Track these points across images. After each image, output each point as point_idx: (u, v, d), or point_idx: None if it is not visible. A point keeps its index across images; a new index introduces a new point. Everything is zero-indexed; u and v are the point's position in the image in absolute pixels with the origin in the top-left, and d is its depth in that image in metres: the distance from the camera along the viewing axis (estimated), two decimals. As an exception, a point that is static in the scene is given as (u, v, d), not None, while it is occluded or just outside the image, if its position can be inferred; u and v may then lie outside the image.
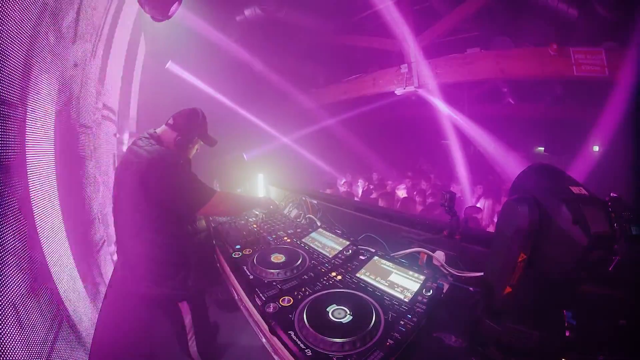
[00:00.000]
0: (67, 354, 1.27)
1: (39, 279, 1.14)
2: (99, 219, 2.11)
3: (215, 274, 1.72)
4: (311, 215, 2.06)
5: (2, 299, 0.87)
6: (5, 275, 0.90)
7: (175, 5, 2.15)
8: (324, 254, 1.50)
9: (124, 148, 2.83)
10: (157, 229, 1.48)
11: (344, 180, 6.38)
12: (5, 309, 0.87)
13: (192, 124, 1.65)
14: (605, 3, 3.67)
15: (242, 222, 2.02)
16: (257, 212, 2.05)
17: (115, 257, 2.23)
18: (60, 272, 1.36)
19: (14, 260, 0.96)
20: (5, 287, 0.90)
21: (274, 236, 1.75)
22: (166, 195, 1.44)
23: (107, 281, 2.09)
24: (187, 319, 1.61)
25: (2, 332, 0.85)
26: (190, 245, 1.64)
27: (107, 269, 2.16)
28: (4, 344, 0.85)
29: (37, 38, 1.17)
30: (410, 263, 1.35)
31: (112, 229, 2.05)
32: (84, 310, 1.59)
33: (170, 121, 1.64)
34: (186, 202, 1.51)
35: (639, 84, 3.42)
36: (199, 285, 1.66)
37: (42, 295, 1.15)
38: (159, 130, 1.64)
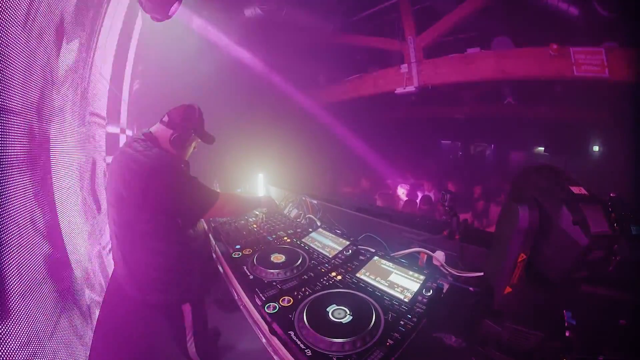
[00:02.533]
0: (67, 353, 1.27)
1: (38, 279, 1.14)
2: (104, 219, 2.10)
3: (214, 274, 1.72)
4: (311, 215, 2.06)
5: (5, 299, 0.87)
6: (6, 275, 0.90)
7: (175, 5, 2.16)
8: (324, 254, 1.50)
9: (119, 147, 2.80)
10: (160, 237, 1.43)
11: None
12: (7, 310, 0.87)
13: (188, 120, 1.55)
14: (605, 3, 3.67)
15: (242, 222, 2.01)
16: (257, 212, 2.05)
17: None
18: (59, 272, 1.36)
19: (18, 259, 0.96)
20: (9, 287, 0.90)
21: (274, 236, 1.75)
22: (171, 203, 1.39)
23: (107, 281, 2.09)
24: (187, 320, 1.60)
25: (3, 332, 0.85)
26: (193, 250, 1.58)
27: (109, 271, 2.16)
28: (5, 345, 0.85)
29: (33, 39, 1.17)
30: (410, 263, 1.35)
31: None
32: (83, 311, 1.58)
33: (165, 119, 1.54)
34: (192, 209, 1.47)
35: (639, 84, 3.41)
36: (200, 287, 1.65)
37: (43, 296, 1.15)
38: (153, 129, 1.55)
